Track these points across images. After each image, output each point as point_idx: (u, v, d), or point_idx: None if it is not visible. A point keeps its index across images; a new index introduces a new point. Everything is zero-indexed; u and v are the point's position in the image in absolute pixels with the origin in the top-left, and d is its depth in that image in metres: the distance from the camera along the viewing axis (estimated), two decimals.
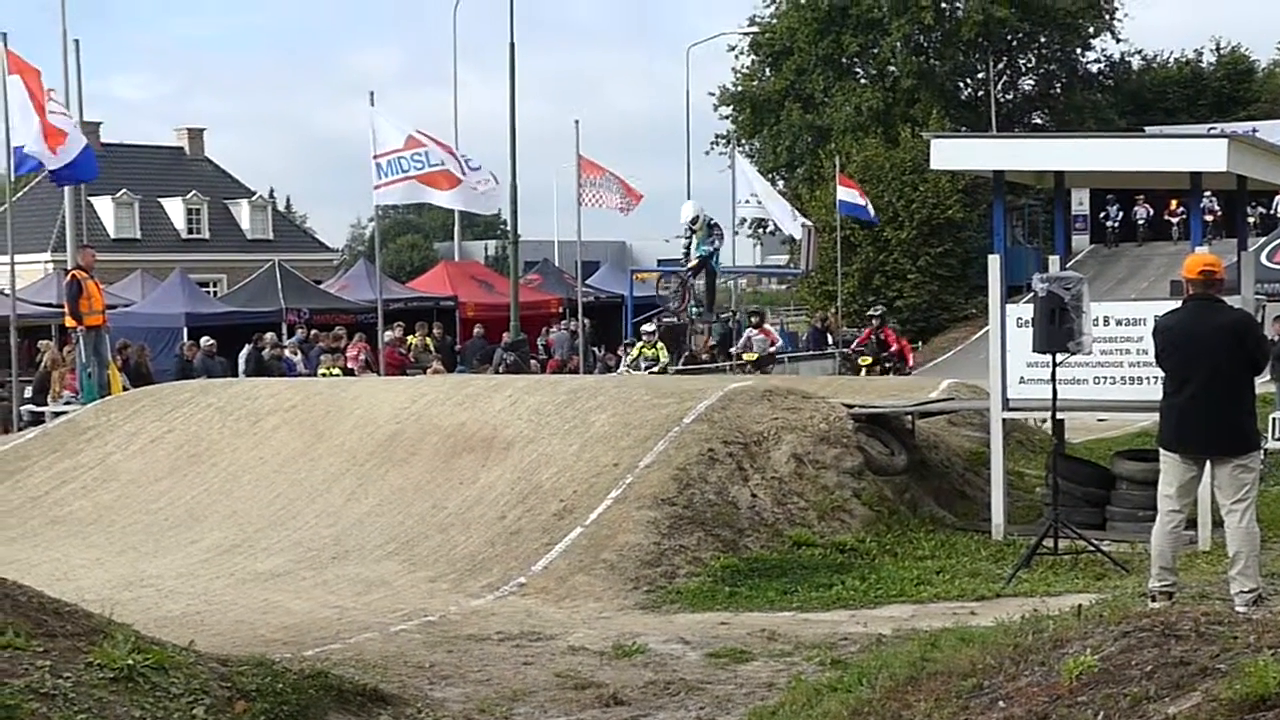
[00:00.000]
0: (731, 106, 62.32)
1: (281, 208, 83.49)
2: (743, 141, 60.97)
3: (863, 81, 60.75)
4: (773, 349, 31.43)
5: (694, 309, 28.82)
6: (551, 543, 14.69)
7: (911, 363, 22.67)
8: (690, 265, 28.21)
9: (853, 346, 29.05)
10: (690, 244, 28.29)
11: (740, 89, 62.10)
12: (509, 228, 43.67)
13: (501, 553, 14.76)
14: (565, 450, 16.43)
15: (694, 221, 28.06)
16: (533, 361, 34.41)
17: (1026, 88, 65.25)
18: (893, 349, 26.30)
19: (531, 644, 11.69)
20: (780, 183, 60.13)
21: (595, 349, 38.12)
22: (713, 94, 62.66)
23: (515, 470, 16.27)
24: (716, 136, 63.42)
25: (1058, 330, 13.97)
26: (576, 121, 37.73)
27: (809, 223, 42.44)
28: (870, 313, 26.00)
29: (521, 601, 13.47)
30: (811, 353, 40.68)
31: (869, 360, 22.60)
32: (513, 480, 16.08)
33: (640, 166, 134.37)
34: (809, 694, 8.40)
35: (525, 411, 17.35)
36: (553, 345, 37.70)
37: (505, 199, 34.02)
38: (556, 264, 51.52)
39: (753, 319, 34.19)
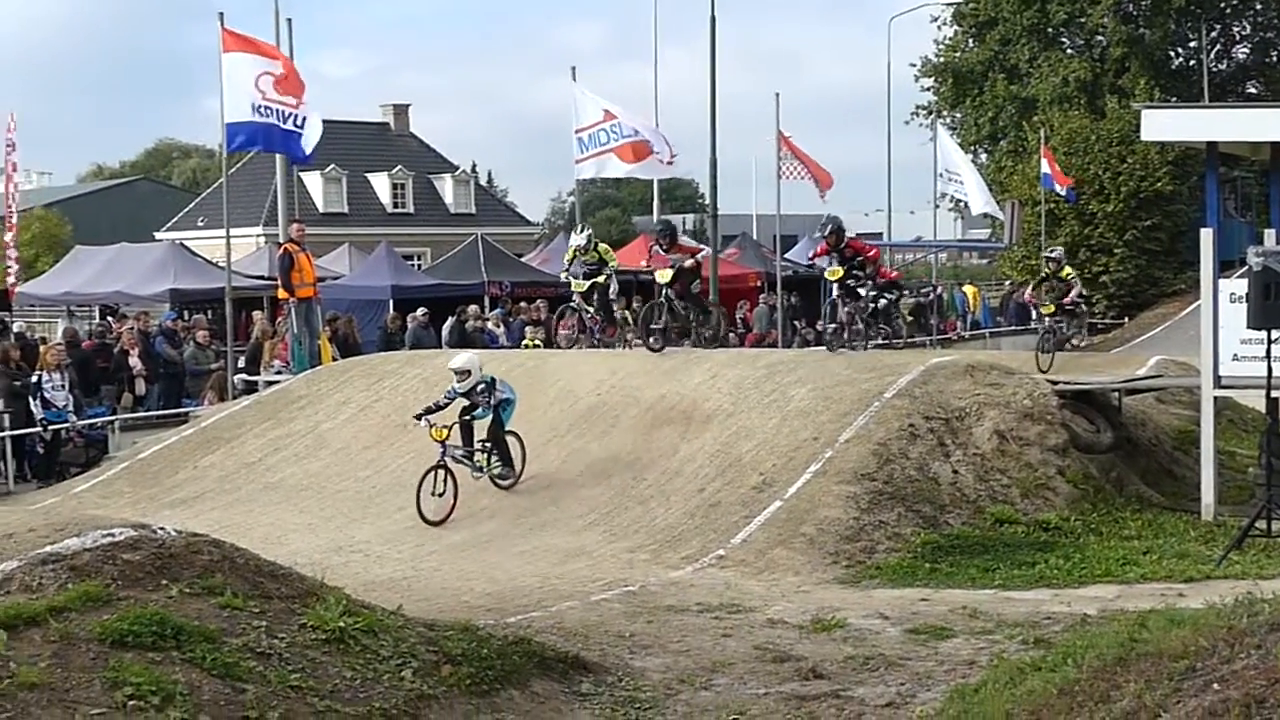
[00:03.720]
0: (933, 78, 61.46)
1: (484, 182, 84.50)
2: (944, 114, 60.09)
3: (1069, 51, 59.47)
4: None
5: None
6: (750, 516, 14.73)
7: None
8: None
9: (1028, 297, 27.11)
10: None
11: (943, 60, 61.21)
12: (708, 201, 43.67)
13: (701, 525, 14.83)
14: (764, 424, 16.44)
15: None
16: (731, 335, 34.39)
17: (1241, 56, 63.23)
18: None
19: (730, 616, 11.73)
20: (983, 155, 59.22)
21: (795, 323, 37.96)
22: (914, 65, 61.88)
23: (714, 443, 16.32)
24: (917, 108, 62.57)
25: (1274, 306, 13.56)
26: (777, 95, 37.51)
27: (1013, 197, 41.72)
28: (1048, 253, 24.64)
29: (720, 574, 13.53)
30: (1014, 328, 40.08)
31: (1051, 309, 21.75)
32: (712, 453, 16.14)
33: (840, 139, 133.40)
34: (1012, 672, 8.28)
35: (725, 385, 17.39)
36: (751, 319, 37.64)
37: (699, 173, 34.05)
38: (755, 237, 51.37)
39: None
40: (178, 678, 7.58)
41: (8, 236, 27.42)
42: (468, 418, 16.55)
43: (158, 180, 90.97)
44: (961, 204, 53.56)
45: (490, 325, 30.08)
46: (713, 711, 9.11)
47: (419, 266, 48.64)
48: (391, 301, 34.09)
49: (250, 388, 22.98)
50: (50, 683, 7.23)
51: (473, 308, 30.75)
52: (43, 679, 7.21)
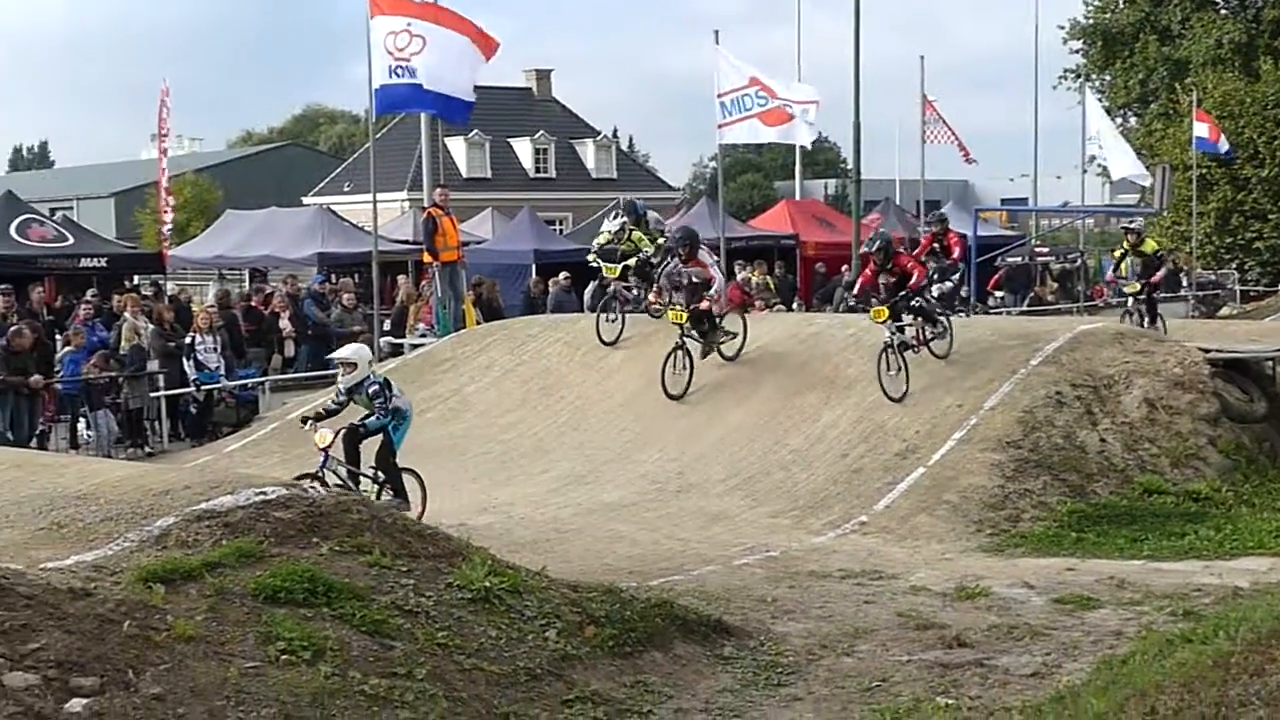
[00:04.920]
0: (1082, 40, 60.26)
1: (625, 147, 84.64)
2: (1093, 76, 58.94)
3: (1223, 12, 57.95)
4: None
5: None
6: (893, 482, 14.65)
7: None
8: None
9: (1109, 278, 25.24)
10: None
11: (1092, 22, 59.99)
12: (850, 166, 43.34)
13: (843, 491, 14.78)
14: (909, 390, 16.31)
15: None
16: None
17: None
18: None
19: (873, 582, 11.68)
20: (1133, 119, 58.00)
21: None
22: (1063, 27, 60.69)
23: (857, 409, 16.24)
24: (1065, 71, 61.37)
25: None
26: (921, 58, 37.15)
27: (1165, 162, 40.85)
28: (1126, 224, 23.27)
29: (863, 540, 13.48)
30: (1165, 296, 39.28)
31: (1136, 288, 20.98)
32: (855, 419, 16.06)
33: (985, 103, 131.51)
34: (1161, 644, 8.16)
35: (868, 351, 17.27)
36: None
37: (842, 138, 33.73)
38: (898, 203, 50.88)
39: None
40: (328, 633, 7.74)
41: (162, 201, 27.98)
42: (359, 426, 14.33)
43: (305, 146, 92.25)
44: (1104, 168, 52.55)
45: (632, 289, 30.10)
46: (855, 678, 9.09)
47: (561, 231, 48.83)
48: (534, 266, 34.27)
49: (395, 351, 23.28)
50: (206, 636, 7.41)
51: None
52: (199, 632, 7.40)
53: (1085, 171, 52.97)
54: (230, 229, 40.60)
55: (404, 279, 29.26)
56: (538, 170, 67.68)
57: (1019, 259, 37.83)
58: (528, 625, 8.59)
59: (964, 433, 15.18)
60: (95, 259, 27.20)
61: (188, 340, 21.10)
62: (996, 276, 35.74)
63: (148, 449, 20.02)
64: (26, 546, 8.36)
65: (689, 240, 18.18)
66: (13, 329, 19.20)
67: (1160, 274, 22.10)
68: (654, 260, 19.33)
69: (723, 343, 18.02)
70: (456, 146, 63.18)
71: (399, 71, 22.84)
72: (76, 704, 6.67)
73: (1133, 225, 22.94)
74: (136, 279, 29.28)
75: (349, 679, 7.47)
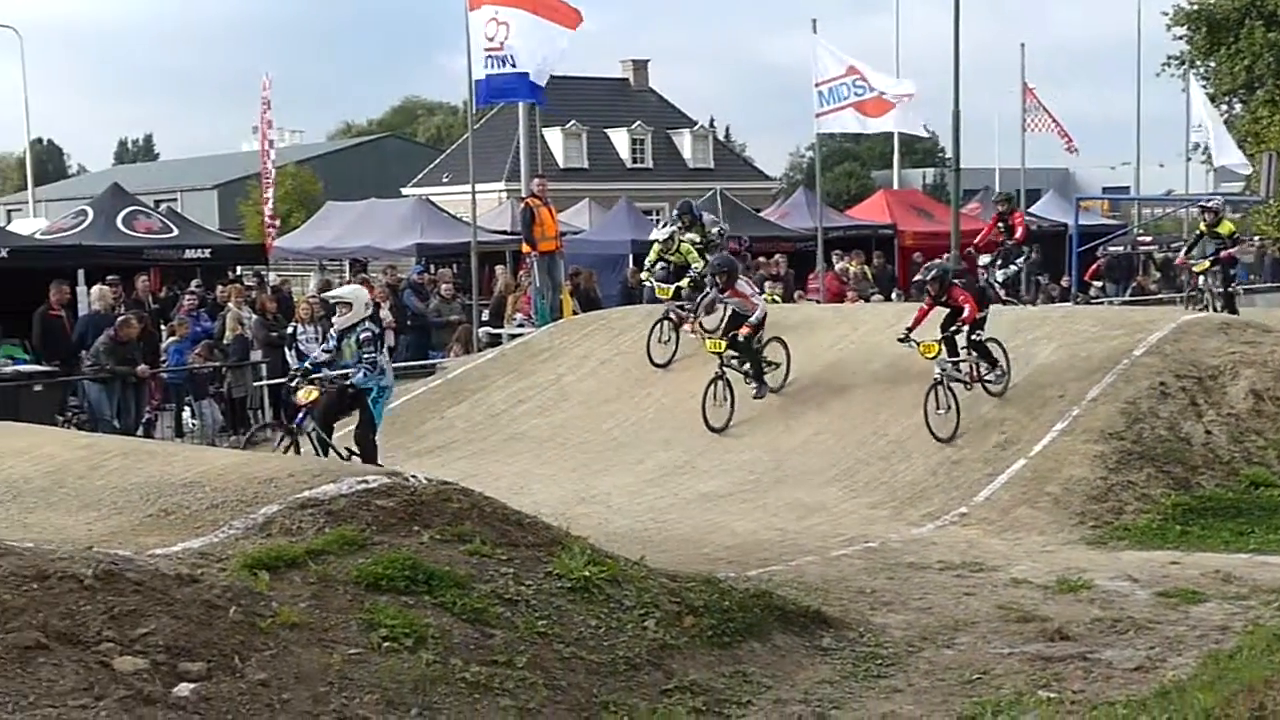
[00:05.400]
0: (1186, 26, 59.37)
1: (722, 137, 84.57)
2: (1197, 63, 58.07)
3: None
4: None
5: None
6: (994, 474, 14.53)
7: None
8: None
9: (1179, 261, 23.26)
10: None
11: (1196, 7, 59.10)
12: (949, 155, 43.00)
13: (943, 482, 14.68)
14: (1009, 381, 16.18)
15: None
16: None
17: None
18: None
19: (973, 574, 11.59)
20: (1238, 105, 57.05)
21: (1038, 279, 37.19)
22: (1166, 14, 59.83)
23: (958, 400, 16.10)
24: (1169, 58, 60.52)
25: None
26: (1022, 45, 36.71)
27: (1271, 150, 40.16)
28: (1203, 203, 22.07)
29: (962, 531, 13.38)
30: (1270, 284, 38.69)
31: (1205, 265, 20.14)
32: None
33: (1086, 90, 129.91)
34: (1269, 639, 8.06)
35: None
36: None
37: (941, 127, 33.44)
38: (998, 191, 50.47)
39: None
40: (429, 621, 7.81)
41: (264, 193, 28.34)
42: (347, 387, 13.99)
43: (404, 137, 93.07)
44: (1209, 155, 51.74)
45: None
46: (955, 670, 9.03)
47: (658, 221, 48.92)
48: (631, 256, 34.31)
49: (494, 340, 23.41)
50: (310, 623, 7.50)
51: None
52: (303, 619, 7.49)
53: (1189, 160, 52.17)
54: (331, 220, 41.03)
55: (502, 269, 29.42)
56: (635, 160, 67.83)
57: (1121, 248, 37.35)
58: (627, 615, 8.62)
59: (1066, 424, 15.02)
60: (199, 250, 27.58)
61: (290, 330, 21.34)
62: (1095, 266, 35.30)
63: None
64: (135, 533, 8.50)
65: (726, 269, 17.55)
66: (120, 319, 19.52)
67: (1230, 251, 21.08)
68: (703, 276, 18.56)
69: (765, 373, 17.36)
70: (554, 137, 63.45)
71: (496, 62, 23.01)
72: (184, 688, 6.78)
73: (1209, 204, 21.94)
74: (239, 269, 29.68)
75: (450, 666, 7.53)
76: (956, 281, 16.45)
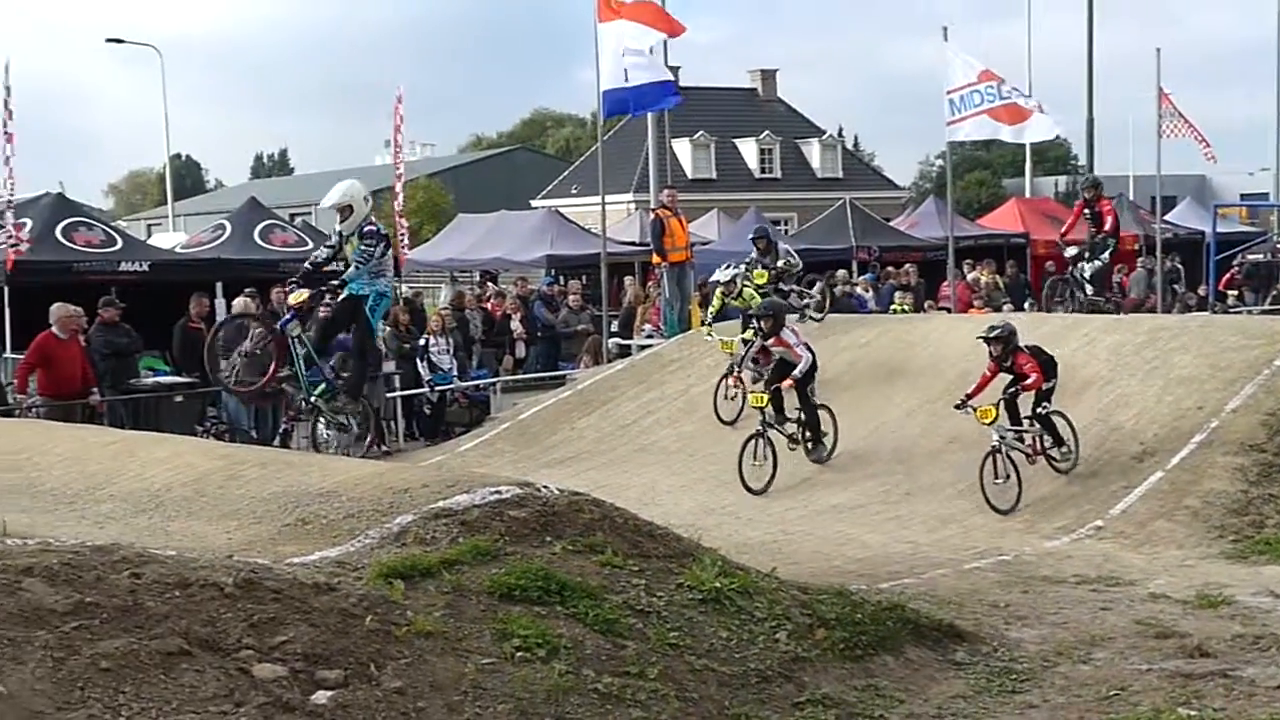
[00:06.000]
0: None
1: (850, 146, 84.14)
2: None
3: None
4: None
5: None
6: (1130, 486, 14.31)
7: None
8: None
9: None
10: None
11: None
12: (1082, 162, 42.40)
13: (1077, 494, 14.49)
14: (1145, 392, 15.92)
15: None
16: (1108, 302, 33.31)
17: None
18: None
19: (1109, 589, 11.42)
20: None
21: (1174, 287, 36.57)
22: None
23: (1092, 411, 15.89)
24: None
25: None
26: (1157, 50, 36.02)
27: None
28: None
29: (1098, 545, 13.19)
30: None
31: None
32: (1089, 421, 15.70)
33: (1223, 95, 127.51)
34: None
35: (1102, 351, 16.91)
36: (1127, 284, 36.42)
37: (1074, 134, 32.93)
38: (1132, 199, 49.67)
39: None
40: (562, 631, 7.85)
41: (396, 205, 28.67)
42: (341, 288, 12.50)
43: (533, 149, 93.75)
44: None
45: (859, 290, 29.99)
46: (1092, 686, 8.90)
47: (787, 231, 48.78)
48: None
49: (623, 351, 23.49)
50: (444, 632, 7.57)
51: (841, 272, 30.69)
52: (437, 628, 7.56)
53: None
54: (461, 232, 41.46)
55: (631, 280, 29.54)
56: (763, 170, 67.78)
57: (1260, 256, 36.58)
58: (758, 627, 8.60)
59: (1205, 435, 14.74)
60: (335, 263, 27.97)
61: (422, 342, 21.61)
62: (1230, 274, 34.62)
63: (384, 448, 20.54)
64: (273, 542, 8.64)
65: (771, 314, 16.59)
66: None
67: None
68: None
69: (810, 445, 16.29)
70: (682, 148, 63.58)
71: (624, 74, 23.16)
72: (322, 696, 6.88)
73: None
74: None
75: (582, 677, 7.56)
76: (1023, 347, 15.24)
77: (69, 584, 6.98)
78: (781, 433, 16.23)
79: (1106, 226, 21.04)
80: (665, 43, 25.23)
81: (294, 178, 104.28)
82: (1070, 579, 11.75)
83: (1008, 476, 14.60)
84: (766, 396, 16.20)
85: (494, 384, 22.95)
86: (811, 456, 16.35)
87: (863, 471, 16.14)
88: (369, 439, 12.77)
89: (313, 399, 12.64)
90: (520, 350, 25.48)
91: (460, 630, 7.65)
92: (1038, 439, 15.05)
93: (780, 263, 19.96)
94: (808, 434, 16.27)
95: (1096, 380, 16.38)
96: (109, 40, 64.31)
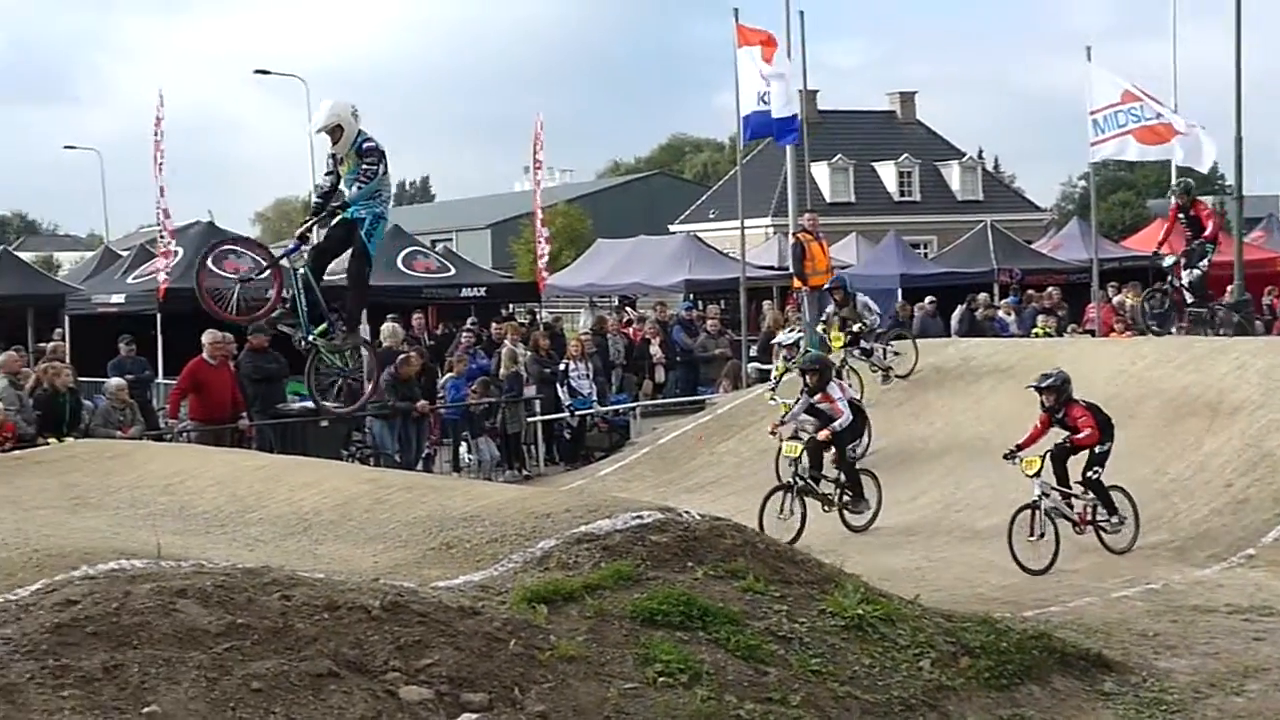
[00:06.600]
0: None
1: (990, 168, 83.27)
2: None
3: None
4: None
5: None
6: None
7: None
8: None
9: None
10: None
11: None
12: (1230, 182, 41.60)
13: (1228, 522, 14.18)
14: None
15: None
16: (1257, 323, 32.58)
17: None
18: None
19: (1263, 619, 11.16)
20: None
21: None
22: None
23: (1242, 436, 15.56)
24: None
25: None
26: None
27: None
28: None
29: (1250, 574, 12.90)
30: None
31: None
32: (1240, 447, 15.39)
33: None
34: None
35: (1253, 375, 16.55)
36: (1278, 306, 35.58)
37: (1222, 154, 32.30)
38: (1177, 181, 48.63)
39: None
40: (704, 657, 7.85)
41: (537, 231, 28.98)
42: (339, 210, 11.16)
43: (672, 174, 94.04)
44: None
45: (1001, 313, 29.65)
46: (1245, 718, 8.71)
47: (926, 255, 48.44)
48: (900, 290, 34.07)
49: (763, 376, 23.42)
50: (587, 656, 7.61)
51: (982, 295, 30.40)
52: (580, 652, 7.60)
53: None
54: (601, 257, 41.74)
55: (769, 304, 29.49)
56: (902, 193, 67.30)
57: None
58: (901, 654, 8.52)
59: None
60: (475, 288, 28.35)
61: (562, 367, 21.76)
62: None
63: (525, 472, 20.71)
64: (419, 565, 8.75)
65: (818, 368, 15.88)
66: (400, 356, 20.14)
67: None
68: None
69: (848, 506, 15.36)
70: (820, 171, 63.33)
71: (760, 99, 23.25)
72: (467, 718, 6.94)
73: None
74: (512, 307, 30.37)
75: (724, 703, 7.54)
76: (1079, 400, 14.20)
77: (222, 605, 7.13)
78: (815, 491, 15.31)
79: (1206, 232, 20.09)
80: (805, 68, 25.28)
81: (436, 204, 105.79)
82: (1222, 608, 11.50)
83: (1042, 535, 13.48)
84: (800, 447, 15.40)
85: (633, 409, 23.05)
86: (850, 521, 15.41)
87: (1008, 497, 15.86)
88: (371, 384, 12.01)
89: (311, 338, 11.56)
90: (659, 375, 25.55)
91: (603, 655, 7.68)
92: (1089, 508, 14.00)
93: (856, 326, 19.26)
94: (846, 496, 15.41)
95: (1247, 405, 16.04)
96: (257, 72, 65.47)
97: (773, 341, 19.84)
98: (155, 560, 7.72)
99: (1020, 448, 14.04)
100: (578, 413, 21.52)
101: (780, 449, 16.09)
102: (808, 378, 15.87)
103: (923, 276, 35.93)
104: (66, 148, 69.78)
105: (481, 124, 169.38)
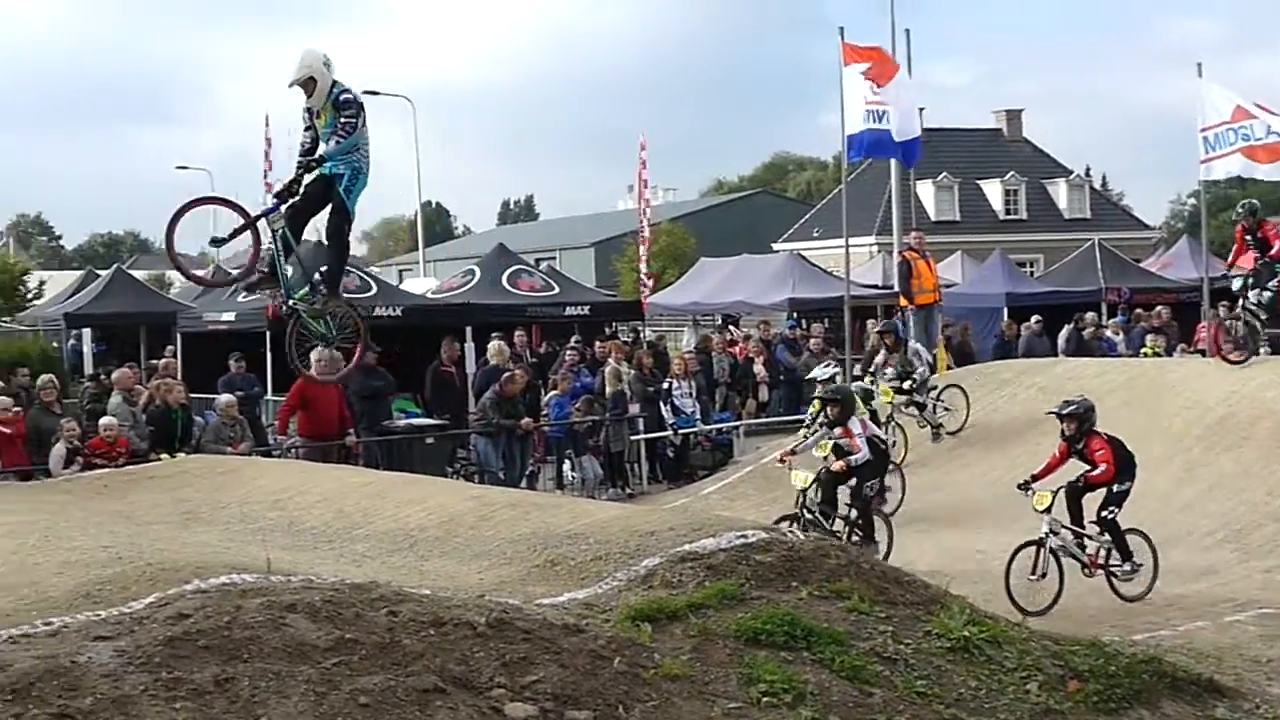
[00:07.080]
0: None
1: (1098, 185, 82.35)
2: None
3: None
4: None
5: None
6: None
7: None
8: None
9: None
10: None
11: None
12: None
13: None
14: None
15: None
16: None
17: None
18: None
19: None
20: None
21: None
22: None
23: None
24: None
25: None
26: None
27: None
28: None
29: None
30: None
31: None
32: None
33: None
34: None
35: None
36: None
37: None
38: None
39: None
40: (808, 677, 7.81)
41: (641, 250, 29.06)
42: (315, 167, 10.45)
43: (775, 193, 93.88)
44: None
45: (1109, 333, 29.31)
46: None
47: (1032, 273, 47.96)
48: (1005, 309, 33.77)
49: (866, 396, 23.30)
50: (690, 675, 7.61)
51: (1090, 315, 30.05)
52: (684, 671, 7.59)
53: None
54: (704, 276, 41.73)
55: (873, 323, 29.31)
56: (1008, 212, 66.64)
57: None
58: (1008, 677, 8.43)
59: None
60: (578, 307, 28.44)
61: (665, 385, 21.79)
62: None
63: (628, 490, 20.75)
64: (523, 582, 8.80)
65: (840, 400, 15.17)
66: (505, 375, 20.27)
67: None
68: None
69: (856, 542, 13.94)
70: (925, 190, 62.93)
71: (872, 117, 23.16)
72: None
73: None
74: (615, 325, 30.46)
75: None
76: (1101, 433, 13.51)
77: (330, 620, 7.21)
78: (822, 526, 14.48)
79: (1273, 251, 19.48)
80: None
81: (540, 223, 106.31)
82: None
83: (1044, 575, 12.85)
84: (810, 477, 14.83)
85: (737, 427, 23.01)
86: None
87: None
88: (358, 346, 11.27)
89: (292, 302, 10.90)
90: (763, 394, 25.49)
91: (706, 674, 7.67)
92: (1103, 550, 13.34)
93: (908, 383, 19.03)
94: (855, 535, 14.59)
95: None
96: (365, 92, 66.16)
97: (810, 375, 18.94)
98: (265, 575, 7.83)
99: (1036, 478, 13.40)
100: (681, 431, 21.53)
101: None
102: (829, 409, 15.17)
103: (1029, 295, 35.58)
104: (179, 168, 71.12)
105: (585, 142, 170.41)
